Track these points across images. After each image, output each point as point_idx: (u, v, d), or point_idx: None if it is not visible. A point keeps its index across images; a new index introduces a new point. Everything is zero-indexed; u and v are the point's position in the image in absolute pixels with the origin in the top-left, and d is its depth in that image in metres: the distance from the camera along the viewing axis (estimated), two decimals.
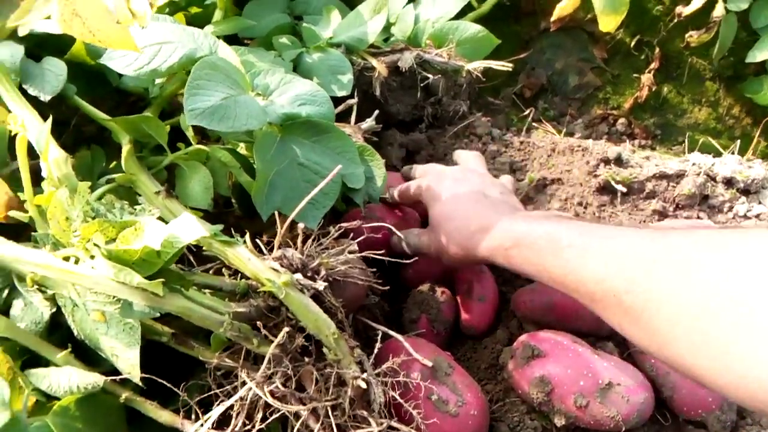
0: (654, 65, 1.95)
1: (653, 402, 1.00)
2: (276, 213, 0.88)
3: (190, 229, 0.70)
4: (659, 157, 1.34)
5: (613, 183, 1.25)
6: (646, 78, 1.96)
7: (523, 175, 1.38)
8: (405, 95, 1.47)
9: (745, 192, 1.26)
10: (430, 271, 1.19)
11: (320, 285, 0.81)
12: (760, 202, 1.25)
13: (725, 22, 1.71)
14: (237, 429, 0.77)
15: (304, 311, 0.78)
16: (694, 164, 1.27)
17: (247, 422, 0.78)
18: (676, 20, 1.80)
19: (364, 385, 0.76)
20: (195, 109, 0.83)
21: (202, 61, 0.88)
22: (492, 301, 1.15)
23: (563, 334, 1.06)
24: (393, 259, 0.96)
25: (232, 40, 1.53)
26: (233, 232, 0.93)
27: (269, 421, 0.77)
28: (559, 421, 1.00)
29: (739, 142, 1.58)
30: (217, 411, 0.77)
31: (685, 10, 1.70)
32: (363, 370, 0.80)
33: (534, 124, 1.67)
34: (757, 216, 1.24)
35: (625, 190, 1.25)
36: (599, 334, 1.11)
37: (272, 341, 0.78)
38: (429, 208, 1.05)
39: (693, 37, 1.76)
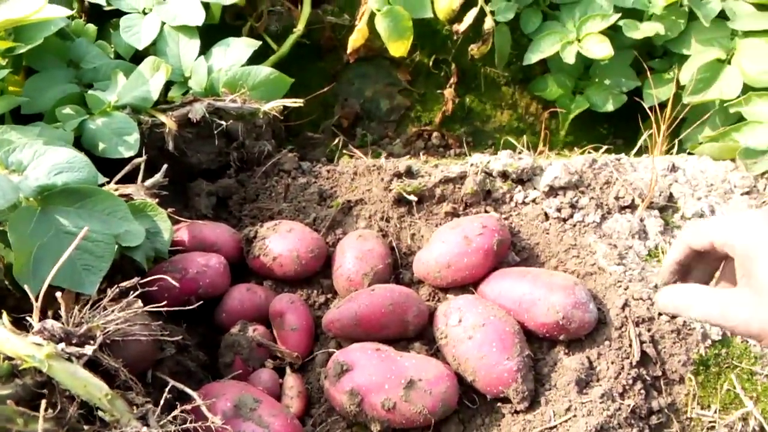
0: (453, 80, 2.12)
1: (456, 390, 1.07)
2: (37, 287, 0.86)
3: None
4: (446, 163, 1.46)
5: (404, 194, 1.34)
6: (449, 92, 2.12)
7: (332, 202, 1.45)
8: (204, 145, 1.49)
9: (520, 181, 1.40)
10: (242, 310, 1.20)
11: (88, 350, 0.80)
12: (535, 188, 1.40)
13: (498, 33, 1.90)
14: None
15: (71, 380, 0.77)
16: (472, 165, 1.39)
17: None
18: (460, 37, 1.97)
19: None
20: None
21: None
22: (305, 328, 1.19)
23: (370, 344, 1.11)
24: (175, 308, 0.96)
25: (24, 118, 1.47)
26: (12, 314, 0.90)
27: None
28: (375, 428, 1.04)
29: (525, 137, 1.75)
30: None
31: (461, 27, 1.88)
32: (146, 425, 0.79)
33: (355, 151, 1.75)
34: (533, 200, 1.38)
35: (416, 199, 1.34)
36: (406, 336, 1.17)
37: (45, 418, 0.76)
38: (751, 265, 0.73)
39: (474, 49, 1.93)
